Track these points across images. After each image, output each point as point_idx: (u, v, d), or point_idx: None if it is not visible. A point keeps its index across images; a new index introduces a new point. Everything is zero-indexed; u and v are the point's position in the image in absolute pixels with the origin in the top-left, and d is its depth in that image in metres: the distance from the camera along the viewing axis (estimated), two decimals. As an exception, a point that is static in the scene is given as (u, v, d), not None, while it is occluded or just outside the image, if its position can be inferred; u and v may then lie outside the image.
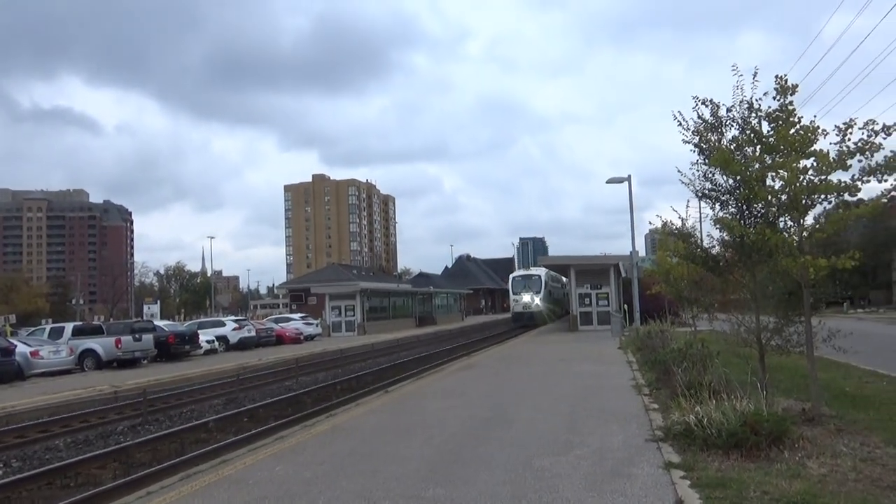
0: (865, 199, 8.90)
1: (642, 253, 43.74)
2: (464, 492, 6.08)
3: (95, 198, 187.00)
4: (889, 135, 7.53)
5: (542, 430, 8.93)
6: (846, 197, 8.37)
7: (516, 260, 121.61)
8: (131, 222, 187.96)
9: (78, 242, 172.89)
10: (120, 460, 10.86)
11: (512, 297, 50.79)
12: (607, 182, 30.41)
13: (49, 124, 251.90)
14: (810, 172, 7.99)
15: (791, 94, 8.40)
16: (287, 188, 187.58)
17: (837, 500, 5.28)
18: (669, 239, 12.92)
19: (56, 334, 25.87)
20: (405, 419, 10.40)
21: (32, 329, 32.32)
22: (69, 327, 26.81)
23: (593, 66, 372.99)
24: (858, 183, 7.84)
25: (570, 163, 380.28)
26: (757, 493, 5.52)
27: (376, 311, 49.78)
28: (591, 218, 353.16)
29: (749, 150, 8.85)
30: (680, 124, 9.46)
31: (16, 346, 22.03)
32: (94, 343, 24.91)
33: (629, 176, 30.15)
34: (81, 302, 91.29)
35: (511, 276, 53.52)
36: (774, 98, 8.49)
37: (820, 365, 12.69)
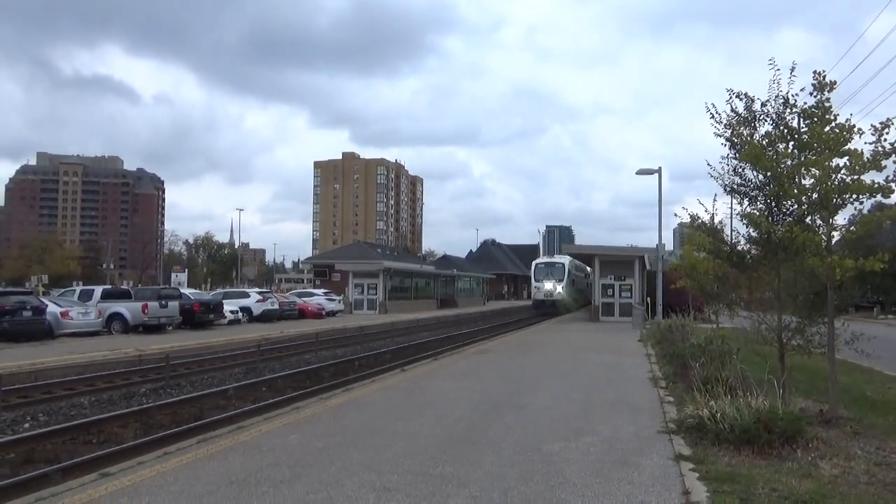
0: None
1: (669, 247, 43.29)
2: (471, 471, 6.16)
3: (129, 165, 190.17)
4: (927, 136, 7.34)
5: (554, 416, 8.96)
6: (880, 198, 8.22)
7: (541, 247, 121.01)
8: (163, 191, 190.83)
9: (111, 208, 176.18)
10: (141, 421, 11.17)
11: (534, 283, 50.54)
12: (637, 173, 30.09)
13: (89, 91, 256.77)
14: (843, 171, 7.84)
15: (829, 91, 8.23)
16: (317, 164, 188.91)
17: (847, 502, 5.24)
18: (696, 233, 12.77)
19: (86, 296, 26.49)
20: (419, 398, 10.52)
21: (63, 290, 33.14)
22: (98, 290, 27.43)
23: (628, 57, 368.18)
24: (893, 185, 7.68)
25: (600, 154, 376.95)
26: (765, 489, 5.50)
27: (399, 291, 50.03)
28: (618, 210, 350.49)
29: (781, 146, 8.69)
30: (712, 117, 9.31)
31: (47, 305, 22.65)
32: (122, 307, 25.48)
33: (659, 168, 29.82)
34: (111, 266, 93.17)
35: (534, 263, 53.17)
36: (811, 94, 8.33)
37: (843, 368, 12.53)
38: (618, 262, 36.39)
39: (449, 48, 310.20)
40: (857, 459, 6.54)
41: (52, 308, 22.70)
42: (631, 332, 25.99)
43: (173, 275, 68.69)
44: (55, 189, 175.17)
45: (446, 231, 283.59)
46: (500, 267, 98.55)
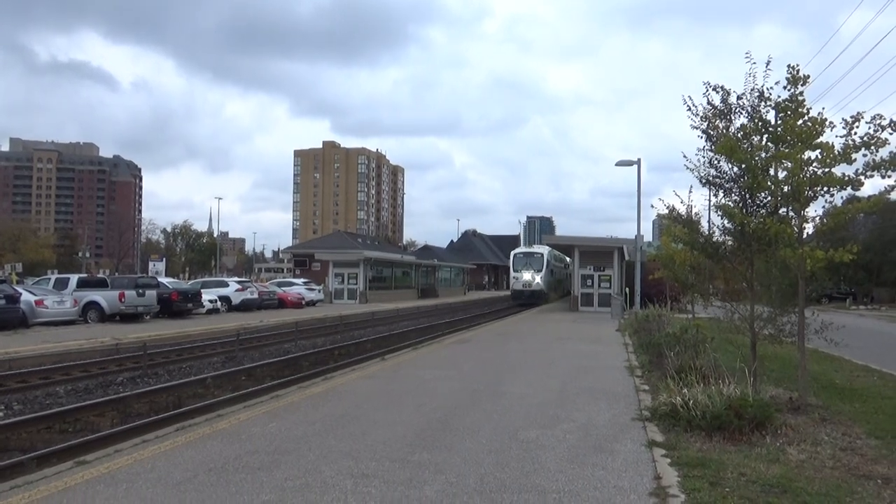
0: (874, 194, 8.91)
1: (648, 238, 43.69)
2: (449, 458, 6.24)
3: (106, 152, 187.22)
4: (896, 130, 7.51)
5: (531, 404, 9.08)
6: (850, 191, 8.39)
7: (522, 238, 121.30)
8: (140, 178, 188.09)
9: (86, 196, 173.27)
10: (118, 409, 11.10)
11: (513, 273, 50.38)
12: (617, 164, 30.23)
13: (65, 77, 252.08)
14: (814, 164, 8.00)
15: (802, 85, 8.37)
16: (297, 153, 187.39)
17: (812, 485, 5.40)
18: (673, 225, 12.95)
19: (61, 285, 26.10)
20: (398, 386, 10.58)
21: (38, 279, 32.63)
22: (74, 279, 27.04)
23: (608, 50, 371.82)
24: (862, 177, 7.85)
25: (580, 145, 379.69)
26: (734, 474, 5.65)
27: (379, 281, 49.94)
28: (598, 201, 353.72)
29: (756, 138, 8.84)
30: (689, 109, 9.44)
31: (21, 294, 22.30)
32: (98, 296, 25.16)
33: (638, 160, 29.99)
34: (87, 255, 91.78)
35: (513, 253, 52.88)
36: (785, 88, 8.46)
37: (814, 358, 12.83)
38: (597, 252, 36.70)
39: (431, 38, 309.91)
40: (823, 445, 6.73)
41: (26, 296, 22.36)
42: (609, 322, 26.27)
43: (151, 263, 67.79)
44: (29, 176, 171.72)
45: (427, 221, 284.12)
46: (481, 257, 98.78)
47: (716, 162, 9.30)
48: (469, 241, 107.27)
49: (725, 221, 9.30)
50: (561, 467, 5.95)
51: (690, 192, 11.80)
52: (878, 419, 8.15)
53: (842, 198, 9.04)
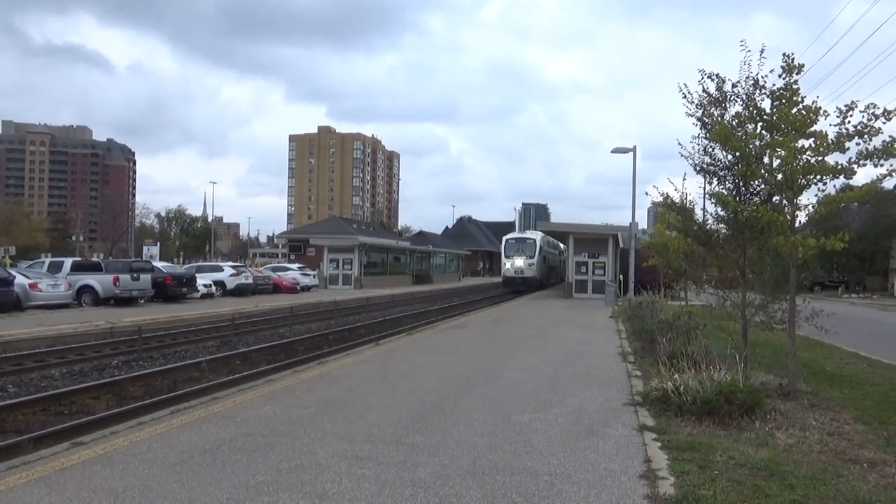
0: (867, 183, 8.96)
1: (643, 225, 43.63)
2: (442, 440, 6.31)
3: (99, 136, 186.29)
4: (889, 119, 7.56)
5: (525, 389, 9.16)
6: (843, 179, 8.45)
7: (517, 224, 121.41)
8: (134, 162, 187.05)
9: (80, 179, 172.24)
10: (113, 392, 11.16)
11: (504, 260, 49.24)
12: (612, 151, 30.26)
13: (60, 60, 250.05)
14: (808, 153, 8.05)
15: (797, 74, 8.39)
16: (292, 138, 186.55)
17: (800, 469, 5.49)
18: (667, 212, 13.00)
19: (55, 268, 26.04)
20: (392, 371, 10.64)
21: (32, 262, 32.53)
22: (68, 262, 26.96)
23: (606, 38, 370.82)
24: (855, 166, 7.90)
25: (576, 132, 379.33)
26: (723, 457, 5.74)
27: (374, 267, 49.91)
28: (594, 188, 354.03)
29: (750, 126, 8.87)
30: (685, 97, 9.45)
31: (15, 277, 22.24)
32: (93, 279, 25.13)
33: (634, 147, 30.00)
34: (81, 239, 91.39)
35: (504, 238, 51.48)
36: (780, 76, 8.48)
37: (805, 345, 12.95)
38: (592, 239, 36.78)
39: (429, 25, 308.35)
40: (811, 430, 6.83)
41: (20, 280, 22.28)
42: (603, 309, 26.40)
43: (145, 248, 67.60)
44: (21, 159, 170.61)
45: (423, 207, 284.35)
46: (476, 244, 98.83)
47: (710, 150, 9.34)
48: (464, 228, 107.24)
49: (719, 209, 9.36)
50: (553, 450, 6.03)
51: (684, 179, 11.86)
52: (866, 405, 8.27)
53: (835, 186, 9.10)
